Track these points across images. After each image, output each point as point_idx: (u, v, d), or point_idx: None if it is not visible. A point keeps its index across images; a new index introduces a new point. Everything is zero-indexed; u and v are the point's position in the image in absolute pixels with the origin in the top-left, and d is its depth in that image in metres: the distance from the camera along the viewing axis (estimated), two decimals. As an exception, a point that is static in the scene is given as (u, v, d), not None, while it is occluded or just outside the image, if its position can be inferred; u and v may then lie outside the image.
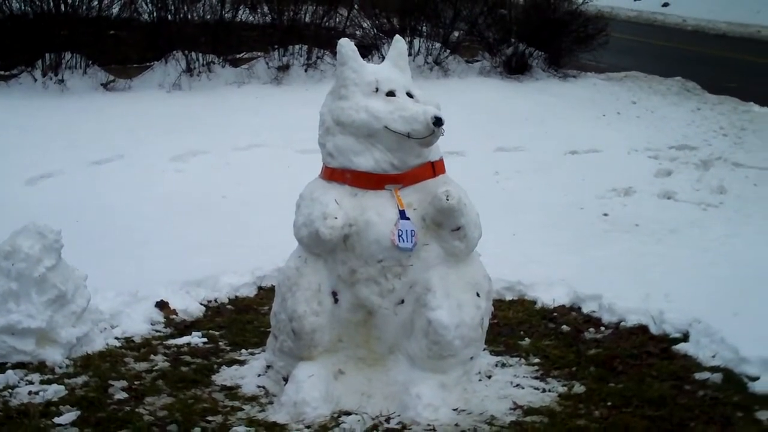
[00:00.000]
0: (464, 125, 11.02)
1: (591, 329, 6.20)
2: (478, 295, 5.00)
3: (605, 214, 8.96)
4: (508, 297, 6.82)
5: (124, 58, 13.89)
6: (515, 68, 15.13)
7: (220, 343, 5.97)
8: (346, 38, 5.09)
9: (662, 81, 15.45)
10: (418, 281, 4.89)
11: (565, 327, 6.22)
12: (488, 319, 5.19)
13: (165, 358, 5.69)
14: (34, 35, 13.02)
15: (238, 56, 14.15)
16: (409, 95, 4.95)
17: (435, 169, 4.98)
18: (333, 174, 4.97)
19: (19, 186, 9.42)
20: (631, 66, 16.73)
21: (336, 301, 4.95)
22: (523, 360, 5.64)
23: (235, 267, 7.08)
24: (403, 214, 4.82)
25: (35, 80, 12.89)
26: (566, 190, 9.67)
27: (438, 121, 4.73)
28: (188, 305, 6.52)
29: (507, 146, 11.21)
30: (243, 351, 5.82)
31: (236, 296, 6.86)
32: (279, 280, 5.20)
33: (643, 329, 6.11)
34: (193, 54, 13.50)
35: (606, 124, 12.67)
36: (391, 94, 4.91)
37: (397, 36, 5.28)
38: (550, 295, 6.70)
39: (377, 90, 4.92)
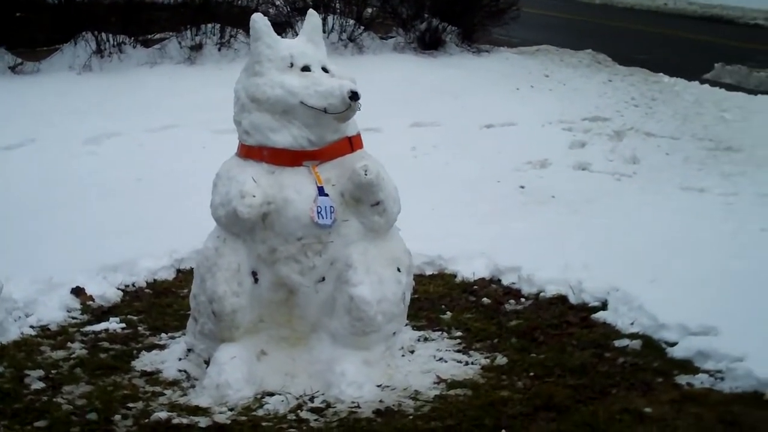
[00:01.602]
0: (380, 102, 10.94)
1: (511, 301, 6.23)
2: (399, 270, 5.01)
3: (522, 187, 9.02)
4: (429, 271, 6.79)
5: (32, 40, 13.51)
6: (429, 44, 15.09)
7: (139, 328, 5.85)
8: (259, 13, 5.02)
9: (573, 54, 15.58)
10: (338, 258, 4.86)
11: (485, 299, 6.24)
12: (410, 293, 5.20)
13: (82, 345, 5.56)
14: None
15: (149, 36, 13.87)
16: (325, 70, 4.91)
17: (352, 144, 4.96)
18: (249, 151, 4.91)
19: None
20: (542, 40, 16.82)
21: (256, 281, 4.90)
22: (445, 334, 5.66)
23: (153, 250, 6.93)
24: (321, 191, 4.79)
25: (-63, 66, 12.51)
26: (483, 163, 9.70)
27: (354, 95, 4.71)
28: (105, 290, 6.37)
29: (423, 122, 11.20)
30: (163, 335, 5.72)
31: (154, 280, 6.70)
32: (198, 262, 5.14)
33: (562, 299, 6.16)
34: (104, 35, 13.19)
35: (520, 97, 12.73)
36: (306, 69, 4.86)
37: (311, 10, 5.22)
38: (470, 269, 6.70)
39: (292, 65, 4.87)
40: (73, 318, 6.01)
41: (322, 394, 4.82)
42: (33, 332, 5.75)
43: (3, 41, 13.03)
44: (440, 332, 5.68)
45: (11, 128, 10.28)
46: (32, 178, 8.86)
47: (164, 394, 4.92)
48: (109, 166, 9.25)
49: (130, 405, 4.78)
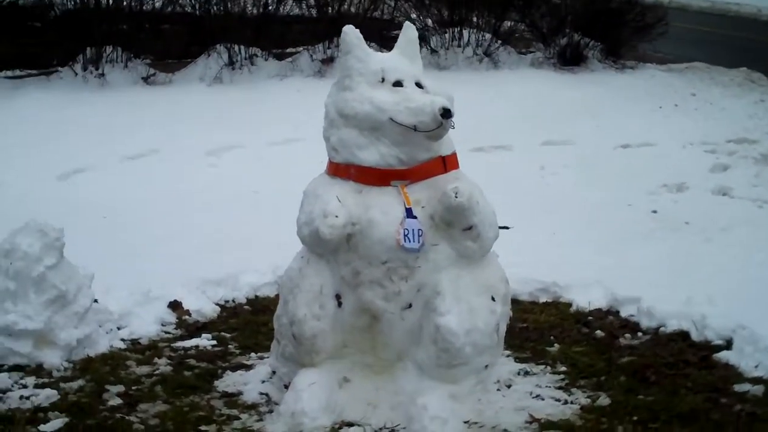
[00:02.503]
0: (512, 119, 10.62)
1: (627, 335, 5.75)
2: (493, 299, 4.62)
3: (654, 211, 8.51)
4: (543, 298, 6.40)
5: (167, 52, 13.69)
6: (570, 59, 14.56)
7: (230, 346, 5.66)
8: (350, 26, 4.73)
9: (725, 72, 14.79)
10: (426, 284, 4.52)
11: (599, 332, 5.78)
12: (505, 324, 4.81)
13: (169, 361, 5.41)
14: (76, 29, 12.86)
15: (283, 50, 13.84)
16: (419, 86, 4.59)
17: (446, 164, 4.61)
18: (337, 169, 4.65)
19: (50, 181, 9.28)
20: (696, 57, 16.02)
21: (339, 304, 4.61)
22: (548, 368, 5.23)
23: (258, 265, 6.74)
24: (409, 213, 4.46)
25: (76, 74, 12.72)
26: (615, 185, 9.22)
27: (446, 113, 4.37)
28: (202, 306, 6.22)
29: (555, 140, 10.74)
30: (252, 355, 5.51)
31: (256, 296, 6.53)
32: (282, 282, 4.92)
33: (683, 335, 5.65)
34: (236, 47, 13.22)
35: (662, 116, 12.14)
36: (398, 84, 4.56)
37: (407, 23, 4.93)
38: (586, 298, 6.25)
39: (383, 80, 4.57)
40: (166, 332, 5.88)
41: (403, 428, 4.48)
42: (122, 345, 5.64)
43: (138, 52, 13.22)
44: (543, 366, 5.26)
45: (137, 138, 10.40)
46: (150, 189, 8.87)
47: (239, 418, 4.69)
48: (227, 179, 9.21)
49: (203, 428, 4.57)
